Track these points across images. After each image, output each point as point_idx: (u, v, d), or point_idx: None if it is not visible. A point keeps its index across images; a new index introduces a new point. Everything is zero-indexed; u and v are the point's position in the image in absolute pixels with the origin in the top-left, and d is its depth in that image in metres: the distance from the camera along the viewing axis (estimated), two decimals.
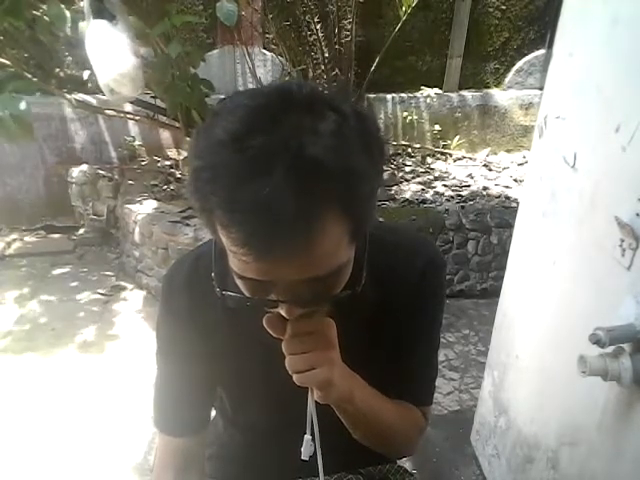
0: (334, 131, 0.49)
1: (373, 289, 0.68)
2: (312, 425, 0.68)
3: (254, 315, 0.62)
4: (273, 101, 0.51)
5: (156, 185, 3.10)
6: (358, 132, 0.52)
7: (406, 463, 1.63)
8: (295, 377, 0.61)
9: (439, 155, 3.74)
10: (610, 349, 0.86)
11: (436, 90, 3.71)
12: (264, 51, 3.45)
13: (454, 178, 3.40)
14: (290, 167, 0.46)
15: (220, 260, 0.62)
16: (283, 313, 0.58)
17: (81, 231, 3.31)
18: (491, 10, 3.67)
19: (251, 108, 0.50)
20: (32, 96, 2.19)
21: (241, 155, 0.48)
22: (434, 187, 3.23)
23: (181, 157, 3.29)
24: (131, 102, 2.64)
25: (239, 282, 0.57)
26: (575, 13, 1.13)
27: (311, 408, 0.67)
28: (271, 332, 0.61)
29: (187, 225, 2.57)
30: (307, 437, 0.69)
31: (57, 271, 2.96)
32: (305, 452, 0.68)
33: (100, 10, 1.95)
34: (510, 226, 2.53)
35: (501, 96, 3.88)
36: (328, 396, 0.64)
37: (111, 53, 2.00)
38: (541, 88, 1.50)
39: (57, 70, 3.18)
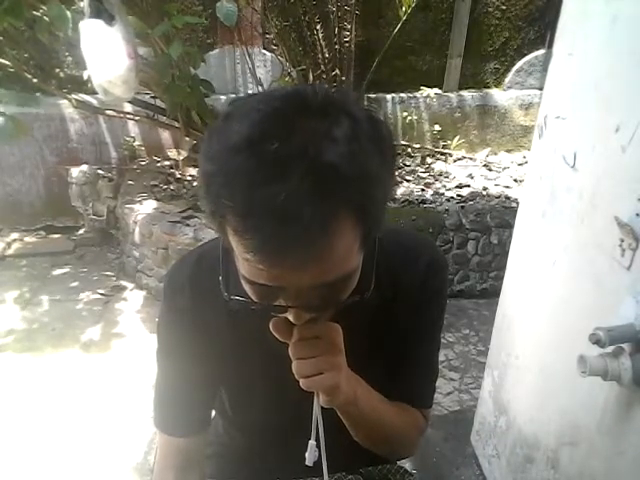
0: (349, 136, 0.49)
1: (375, 291, 0.69)
2: (317, 430, 0.67)
3: (257, 317, 0.62)
4: (288, 105, 0.50)
5: (156, 185, 3.10)
6: (372, 137, 0.52)
7: (406, 463, 1.62)
8: (302, 382, 0.61)
9: (439, 155, 3.74)
10: (610, 349, 0.86)
11: (436, 90, 3.71)
12: (264, 51, 3.45)
13: (454, 178, 3.40)
14: (306, 173, 0.46)
15: (225, 263, 0.62)
16: (291, 318, 0.58)
17: (81, 231, 3.32)
18: (491, 10, 3.67)
19: (266, 113, 0.50)
20: (32, 97, 2.20)
21: (256, 160, 0.47)
22: (434, 187, 3.23)
23: (181, 157, 3.29)
24: (131, 102, 2.65)
25: (247, 287, 0.57)
26: (575, 13, 1.13)
27: (317, 412, 0.66)
28: (278, 336, 0.61)
29: (187, 225, 2.57)
30: (311, 443, 0.68)
31: (57, 271, 2.96)
32: (309, 458, 0.68)
33: (99, 10, 1.96)
34: (510, 226, 2.53)
35: (501, 96, 3.88)
36: (334, 400, 0.64)
37: (105, 54, 2.00)
38: (541, 88, 1.50)
39: (57, 70, 3.19)
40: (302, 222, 0.46)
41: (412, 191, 3.16)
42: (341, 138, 0.49)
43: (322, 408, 0.66)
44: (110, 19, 1.98)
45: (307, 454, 0.68)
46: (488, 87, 3.92)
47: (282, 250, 0.47)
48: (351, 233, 0.51)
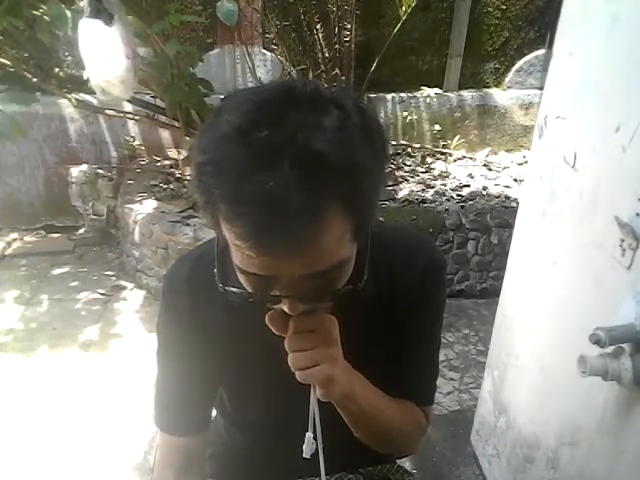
0: (338, 126, 0.50)
1: (374, 288, 0.69)
2: (314, 423, 0.68)
3: (255, 313, 0.62)
4: (278, 97, 0.51)
5: (156, 185, 3.09)
6: (361, 128, 0.52)
7: (406, 463, 1.63)
8: (297, 374, 0.61)
9: (439, 155, 3.74)
10: (610, 349, 0.86)
11: (436, 90, 3.71)
12: (264, 51, 3.45)
13: (454, 178, 3.40)
14: (295, 161, 0.47)
15: (222, 257, 0.62)
16: (286, 309, 0.58)
17: (81, 231, 3.31)
18: (491, 10, 3.66)
19: (256, 103, 0.51)
20: (28, 96, 2.19)
21: (246, 149, 0.48)
22: (434, 187, 3.23)
23: (181, 157, 3.29)
24: (130, 102, 2.65)
25: (242, 278, 0.57)
26: (575, 13, 1.13)
27: (313, 405, 0.67)
28: (273, 329, 0.61)
29: (187, 225, 2.57)
30: (309, 435, 0.68)
31: (57, 271, 2.96)
32: (307, 450, 0.68)
33: (98, 10, 1.95)
34: (510, 226, 2.53)
35: (501, 96, 3.88)
36: (330, 393, 0.64)
37: (103, 54, 2.00)
38: (541, 88, 1.50)
39: (57, 70, 3.18)
40: (290, 209, 0.46)
41: (412, 191, 3.15)
42: (330, 127, 0.49)
43: (323, 405, 0.66)
44: (109, 19, 1.97)
45: (304, 446, 0.68)
46: (488, 87, 3.92)
47: (270, 237, 0.48)
48: (340, 221, 0.51)
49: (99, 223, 3.24)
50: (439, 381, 0.86)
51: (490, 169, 3.60)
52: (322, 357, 0.61)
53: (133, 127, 3.39)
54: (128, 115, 2.91)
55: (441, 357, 2.27)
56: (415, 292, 0.75)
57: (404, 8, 3.01)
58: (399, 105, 3.69)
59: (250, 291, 0.58)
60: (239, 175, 0.48)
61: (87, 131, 3.33)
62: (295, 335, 0.61)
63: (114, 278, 2.92)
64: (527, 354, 1.37)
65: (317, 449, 0.68)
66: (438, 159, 3.71)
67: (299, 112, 0.50)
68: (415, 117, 3.71)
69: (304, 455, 0.68)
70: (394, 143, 3.68)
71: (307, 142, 0.47)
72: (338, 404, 0.69)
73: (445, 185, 3.27)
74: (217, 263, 0.63)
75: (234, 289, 0.59)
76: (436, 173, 3.47)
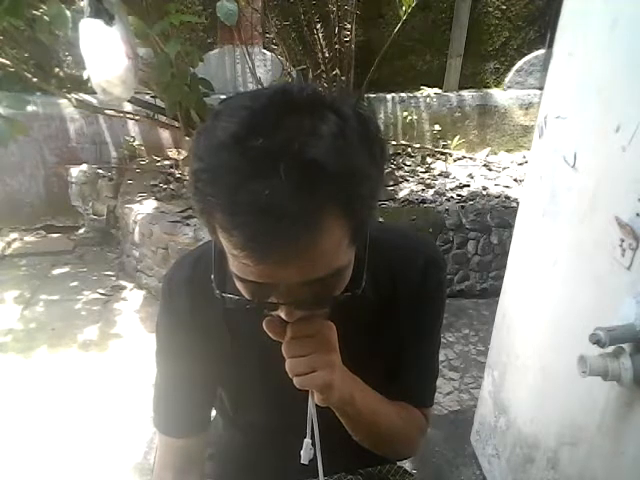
0: (335, 133, 0.49)
1: (373, 290, 0.68)
2: (312, 428, 0.68)
3: (254, 317, 0.62)
4: (274, 103, 0.51)
5: (156, 185, 3.10)
6: (359, 134, 0.52)
7: (406, 463, 1.62)
8: (295, 380, 0.61)
9: (439, 155, 3.74)
10: (610, 349, 0.86)
11: (436, 90, 3.71)
12: (264, 51, 3.45)
13: (454, 178, 3.40)
14: (291, 169, 0.46)
15: (219, 262, 0.62)
16: (283, 316, 0.58)
17: (81, 231, 3.31)
18: (491, 10, 3.66)
19: (252, 110, 0.50)
20: (24, 99, 2.18)
21: (242, 157, 0.47)
22: (434, 187, 3.23)
23: (181, 157, 3.29)
24: (130, 102, 2.65)
25: (239, 285, 0.57)
26: (575, 13, 1.13)
27: (311, 411, 0.67)
28: (271, 335, 0.61)
29: (187, 225, 2.57)
30: (307, 441, 0.68)
31: (57, 271, 2.96)
32: (305, 456, 0.68)
33: (99, 10, 1.95)
34: (510, 226, 2.53)
35: (501, 96, 3.88)
36: (329, 399, 0.64)
37: (104, 54, 2.00)
38: (541, 88, 1.50)
39: (57, 70, 3.19)
40: (286, 218, 0.46)
41: (412, 191, 3.15)
42: (326, 134, 0.49)
43: (321, 408, 0.66)
44: (110, 19, 1.97)
45: (302, 452, 0.68)
46: (488, 87, 3.92)
47: (267, 246, 0.48)
48: (338, 229, 0.51)
49: (99, 223, 3.24)
50: (439, 381, 0.86)
51: (490, 169, 3.60)
52: (320, 363, 0.61)
53: (133, 127, 3.39)
54: (128, 115, 2.91)
55: (441, 357, 2.27)
56: (415, 292, 0.75)
57: (404, 8, 3.01)
58: (399, 105, 3.69)
59: (247, 298, 0.58)
60: (235, 184, 0.47)
61: (87, 131, 3.33)
62: (293, 341, 0.60)
63: (114, 278, 2.92)
64: (527, 354, 1.36)
65: (315, 454, 0.68)
66: (438, 159, 3.70)
67: (295, 119, 0.49)
68: (415, 117, 3.71)
69: (302, 461, 0.68)
70: (394, 143, 3.68)
71: (303, 150, 0.47)
72: (337, 409, 0.69)
73: (445, 185, 3.27)
74: (214, 269, 0.63)
75: (231, 296, 0.59)
76: (436, 173, 3.47)
